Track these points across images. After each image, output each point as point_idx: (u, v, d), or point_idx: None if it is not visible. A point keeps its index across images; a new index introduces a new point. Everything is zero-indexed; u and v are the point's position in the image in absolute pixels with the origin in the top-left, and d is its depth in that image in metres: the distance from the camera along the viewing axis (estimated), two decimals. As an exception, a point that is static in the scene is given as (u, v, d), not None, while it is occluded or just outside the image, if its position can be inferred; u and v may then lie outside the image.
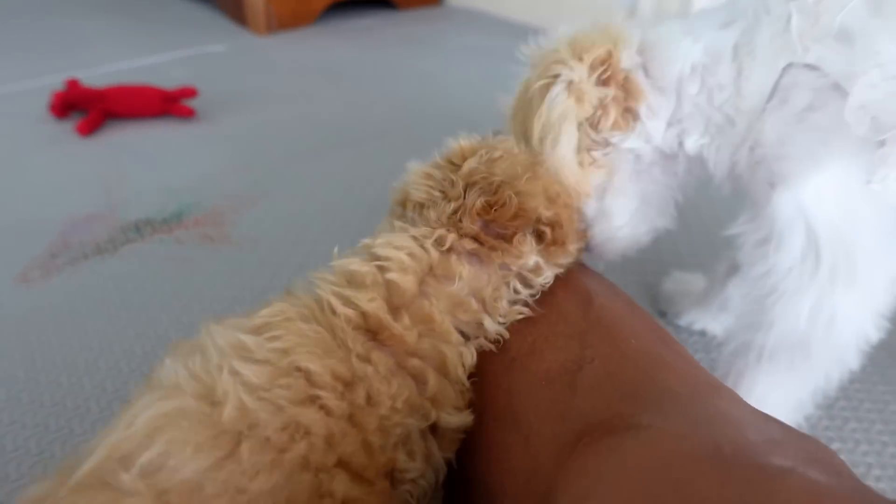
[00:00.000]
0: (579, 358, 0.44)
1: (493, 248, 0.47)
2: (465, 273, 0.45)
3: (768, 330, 0.53)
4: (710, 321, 0.79)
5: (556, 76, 0.57)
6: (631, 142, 0.58)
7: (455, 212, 0.47)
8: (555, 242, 0.50)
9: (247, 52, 1.83)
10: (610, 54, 0.58)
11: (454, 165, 0.51)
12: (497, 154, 0.51)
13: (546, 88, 0.58)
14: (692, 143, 0.57)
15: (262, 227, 1.00)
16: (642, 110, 0.58)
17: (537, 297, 0.50)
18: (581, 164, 0.60)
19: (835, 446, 0.65)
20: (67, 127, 1.29)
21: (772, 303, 0.53)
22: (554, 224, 0.50)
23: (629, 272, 0.89)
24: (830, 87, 0.48)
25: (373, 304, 0.42)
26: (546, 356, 0.45)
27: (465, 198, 0.47)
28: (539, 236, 0.49)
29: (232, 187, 1.10)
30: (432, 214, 0.47)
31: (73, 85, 1.35)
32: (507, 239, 0.47)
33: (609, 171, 0.61)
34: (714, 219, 1.02)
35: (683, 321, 0.80)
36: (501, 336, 0.47)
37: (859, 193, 0.50)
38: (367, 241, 0.47)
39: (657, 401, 0.38)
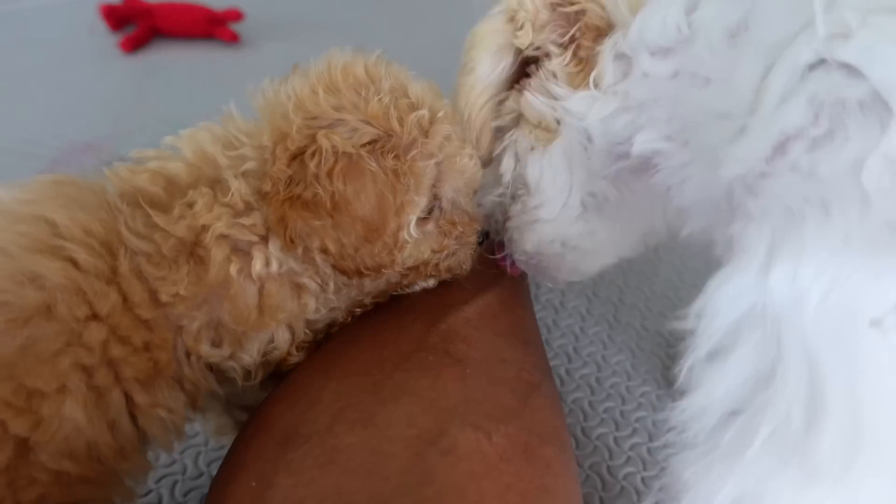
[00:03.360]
0: None
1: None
2: (242, 190, 0.39)
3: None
4: None
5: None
6: (574, 103, 0.42)
7: (272, 154, 0.38)
8: (336, 268, 0.40)
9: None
10: None
11: (341, 109, 0.39)
12: (370, 166, 0.38)
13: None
14: (643, 142, 0.38)
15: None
16: (592, 76, 0.41)
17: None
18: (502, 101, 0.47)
19: None
20: (114, 42, 1.23)
21: (684, 468, 0.33)
22: (335, 265, 0.40)
23: (648, 315, 0.68)
24: (859, 106, 0.26)
25: (141, 175, 0.38)
26: None
27: (292, 158, 0.38)
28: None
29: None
30: (270, 120, 0.40)
31: (130, -4, 1.29)
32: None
33: (549, 132, 0.45)
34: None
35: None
36: None
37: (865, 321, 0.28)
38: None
39: None
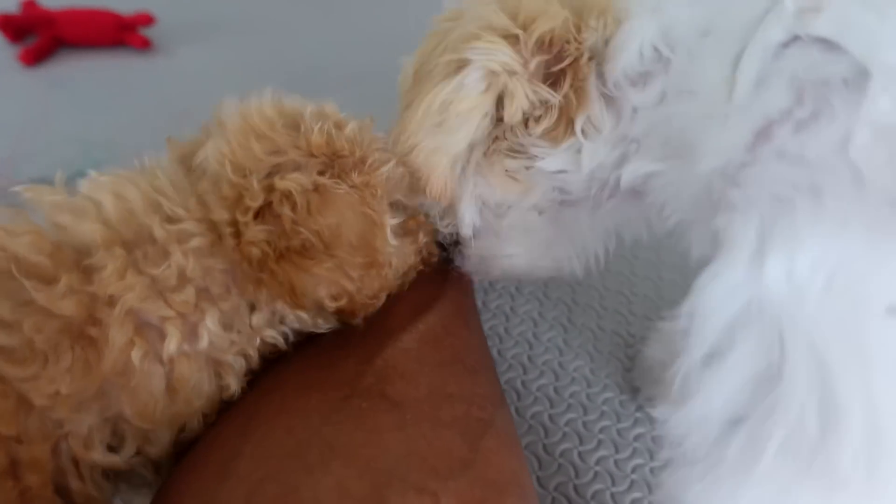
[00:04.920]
0: None
1: (254, 284, 0.36)
2: (179, 262, 0.34)
3: None
4: None
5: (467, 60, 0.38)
6: (553, 161, 0.39)
7: (232, 224, 0.35)
8: (341, 313, 0.39)
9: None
10: (566, 32, 0.37)
11: (282, 152, 0.36)
12: (340, 190, 0.36)
13: (452, 68, 0.39)
14: (633, 171, 0.37)
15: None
16: (579, 123, 0.37)
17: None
18: (472, 169, 0.43)
19: None
20: (12, 54, 1.13)
21: (685, 487, 0.31)
22: (341, 308, 0.38)
23: (605, 316, 0.65)
24: (843, 82, 0.25)
25: (21, 239, 0.32)
26: None
27: (255, 217, 0.35)
28: None
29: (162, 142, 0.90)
30: (210, 191, 0.36)
31: (28, 6, 1.19)
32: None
33: (523, 190, 0.42)
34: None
35: (660, 412, 0.55)
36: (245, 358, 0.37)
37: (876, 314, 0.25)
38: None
39: None
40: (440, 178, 0.42)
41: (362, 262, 0.36)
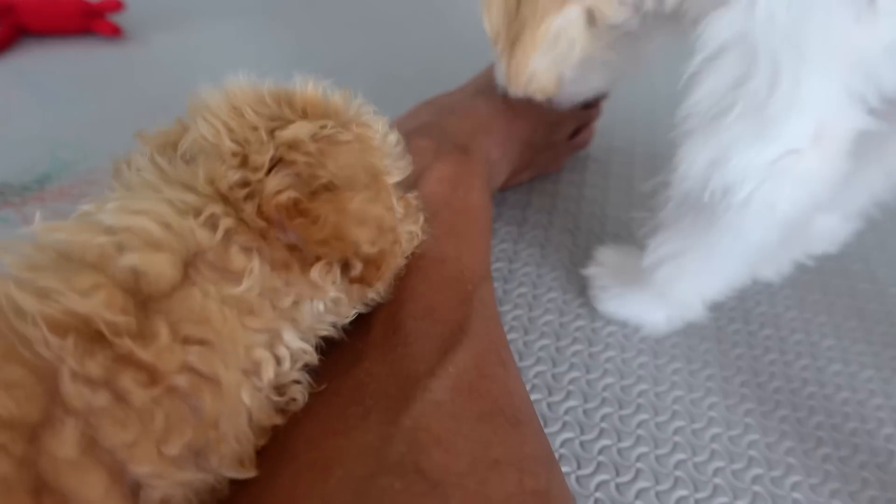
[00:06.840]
0: None
1: (282, 265, 0.32)
2: (257, 270, 0.30)
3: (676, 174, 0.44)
4: (648, 305, 0.57)
5: None
6: None
7: (244, 185, 0.31)
8: (362, 281, 0.35)
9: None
10: None
11: (278, 118, 0.33)
12: (344, 138, 0.34)
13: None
14: None
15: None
16: None
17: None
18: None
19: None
20: (-29, 45, 1.06)
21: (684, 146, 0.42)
22: (371, 263, 0.34)
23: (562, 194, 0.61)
24: None
25: (93, 298, 0.25)
26: None
27: (266, 174, 0.31)
28: (345, 267, 0.35)
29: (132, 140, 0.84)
30: (201, 173, 0.31)
31: (-16, -7, 1.11)
32: (306, 261, 0.33)
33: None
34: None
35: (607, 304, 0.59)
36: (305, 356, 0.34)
37: None
38: (87, 207, 0.30)
39: None
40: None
41: (384, 244, 0.34)
